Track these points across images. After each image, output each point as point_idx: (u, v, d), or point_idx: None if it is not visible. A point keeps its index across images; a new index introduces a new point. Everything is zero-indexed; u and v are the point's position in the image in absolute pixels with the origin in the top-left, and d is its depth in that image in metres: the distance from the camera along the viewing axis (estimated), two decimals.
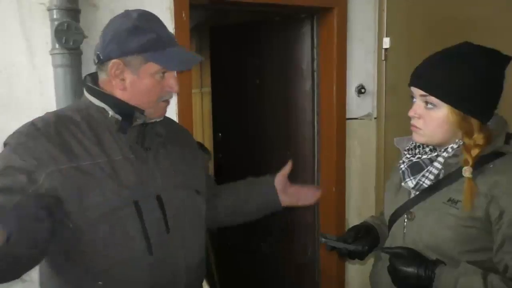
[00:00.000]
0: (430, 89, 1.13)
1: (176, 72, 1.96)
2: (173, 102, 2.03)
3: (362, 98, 2.46)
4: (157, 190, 1.20)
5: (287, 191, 1.54)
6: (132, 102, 1.18)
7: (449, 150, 1.17)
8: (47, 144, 1.08)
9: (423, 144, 1.24)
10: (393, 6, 2.34)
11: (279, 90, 2.81)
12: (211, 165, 3.16)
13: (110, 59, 1.14)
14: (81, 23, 1.77)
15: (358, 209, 2.53)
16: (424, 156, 1.21)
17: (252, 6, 2.28)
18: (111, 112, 1.17)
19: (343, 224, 2.49)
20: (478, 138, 1.12)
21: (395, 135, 2.43)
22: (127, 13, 1.20)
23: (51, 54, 1.73)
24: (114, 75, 1.16)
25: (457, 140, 1.17)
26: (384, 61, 2.39)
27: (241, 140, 3.17)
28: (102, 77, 1.20)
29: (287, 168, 1.58)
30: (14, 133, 1.13)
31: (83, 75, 1.77)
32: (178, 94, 2.02)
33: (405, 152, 1.28)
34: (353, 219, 2.52)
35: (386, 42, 2.36)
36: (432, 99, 1.14)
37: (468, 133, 1.13)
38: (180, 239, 1.23)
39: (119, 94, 1.18)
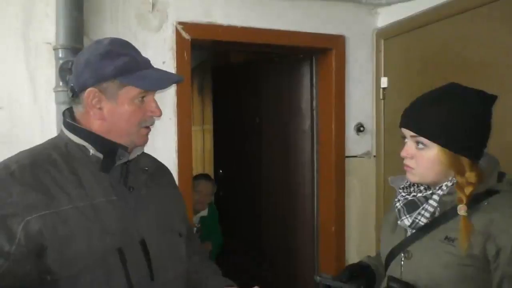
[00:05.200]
0: (420, 130, 1.16)
1: (177, 109, 2.02)
2: (173, 139, 2.05)
3: (361, 137, 2.47)
4: (141, 234, 1.12)
5: None
6: (112, 132, 1.11)
7: (444, 188, 1.17)
8: (23, 191, 0.99)
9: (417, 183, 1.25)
10: (390, 47, 2.40)
11: (279, 129, 2.84)
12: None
13: (85, 88, 1.08)
14: None
15: (358, 248, 2.49)
16: (419, 194, 1.22)
17: (253, 46, 2.34)
18: (92, 150, 1.10)
19: (343, 264, 2.44)
20: (471, 176, 1.13)
21: (395, 173, 2.42)
22: (98, 41, 1.15)
23: (54, 92, 1.77)
24: (91, 105, 1.09)
25: (450, 178, 1.17)
26: (382, 100, 2.43)
27: (242, 177, 3.18)
28: (79, 110, 1.12)
29: None
30: None
31: None
32: (178, 132, 2.04)
33: (400, 190, 1.28)
34: (353, 259, 2.47)
35: (384, 82, 2.40)
36: (423, 139, 1.16)
37: (460, 172, 1.14)
38: (163, 286, 1.15)
39: (97, 125, 1.11)
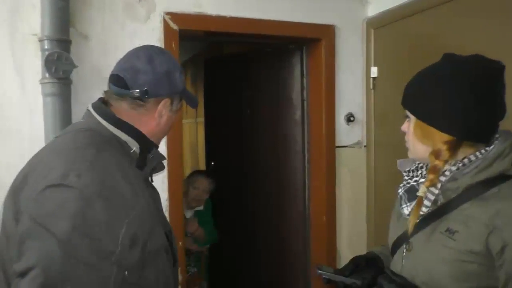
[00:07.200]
0: (403, 100, 1.13)
1: None
2: None
3: (351, 126, 2.47)
4: (167, 225, 1.22)
5: None
6: (156, 135, 1.20)
7: (447, 173, 1.05)
8: (112, 199, 0.97)
9: (426, 166, 1.15)
10: (379, 36, 2.39)
11: (270, 120, 2.84)
12: None
13: (158, 96, 1.15)
14: (72, 54, 1.80)
15: (349, 238, 2.51)
16: (422, 180, 1.12)
17: (243, 37, 2.33)
18: (134, 147, 1.14)
19: (334, 253, 2.46)
20: (442, 150, 1.04)
21: (385, 163, 2.44)
22: (164, 51, 1.24)
23: (41, 83, 1.76)
24: (158, 111, 1.16)
25: (453, 162, 1.07)
26: (372, 90, 2.42)
27: (234, 169, 3.18)
28: (134, 110, 1.14)
29: None
30: (75, 173, 0.96)
31: (73, 104, 1.80)
32: None
33: (404, 174, 1.20)
34: (344, 248, 2.49)
35: (374, 72, 2.39)
36: (406, 111, 1.12)
37: (434, 147, 1.06)
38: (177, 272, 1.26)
39: (150, 127, 1.17)
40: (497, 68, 1.04)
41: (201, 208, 2.98)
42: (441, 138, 1.04)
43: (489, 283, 0.98)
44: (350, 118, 2.45)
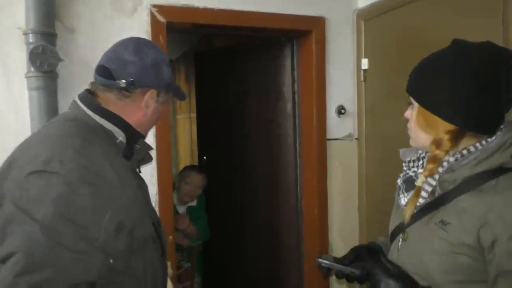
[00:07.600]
0: (407, 86, 1.10)
1: None
2: None
3: (342, 119, 2.46)
4: (155, 216, 1.23)
5: None
6: (142, 126, 1.20)
7: (444, 164, 1.03)
8: (99, 188, 0.98)
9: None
10: (370, 28, 2.38)
11: (261, 113, 2.83)
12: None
13: (144, 87, 1.15)
14: (59, 47, 1.79)
15: (341, 230, 2.50)
16: (420, 170, 1.10)
17: (232, 29, 2.31)
18: (121, 138, 1.14)
19: (326, 246, 2.46)
20: (443, 140, 1.01)
21: (377, 156, 2.43)
22: (152, 44, 1.25)
23: (26, 77, 1.74)
24: (145, 102, 1.17)
25: (452, 153, 1.04)
26: (363, 82, 2.41)
27: (225, 163, 3.17)
28: (120, 100, 1.15)
29: None
30: (58, 159, 0.96)
31: (60, 98, 1.79)
32: None
33: (404, 164, 1.18)
34: (336, 240, 2.49)
35: (365, 64, 2.38)
36: (410, 97, 1.09)
37: (435, 137, 1.03)
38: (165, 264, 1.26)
39: (136, 118, 1.17)
40: (504, 56, 1.00)
41: (193, 203, 2.97)
42: (443, 127, 1.02)
43: (481, 277, 0.97)
44: (341, 111, 2.44)
